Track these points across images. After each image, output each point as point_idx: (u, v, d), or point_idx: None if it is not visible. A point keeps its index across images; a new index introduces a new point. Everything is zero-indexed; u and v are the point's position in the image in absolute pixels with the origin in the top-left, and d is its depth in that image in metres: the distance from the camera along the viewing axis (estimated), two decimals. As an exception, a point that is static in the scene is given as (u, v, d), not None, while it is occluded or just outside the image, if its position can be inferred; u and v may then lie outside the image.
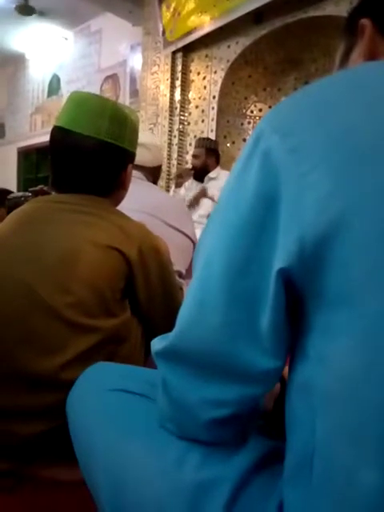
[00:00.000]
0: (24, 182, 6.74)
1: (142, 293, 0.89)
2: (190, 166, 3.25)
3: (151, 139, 1.51)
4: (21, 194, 3.26)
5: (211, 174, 2.90)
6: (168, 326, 0.47)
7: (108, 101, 0.90)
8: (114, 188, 0.93)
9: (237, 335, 0.39)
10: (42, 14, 4.99)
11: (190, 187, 3.01)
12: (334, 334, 0.35)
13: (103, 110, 0.85)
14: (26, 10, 4.76)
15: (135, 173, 1.24)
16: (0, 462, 0.79)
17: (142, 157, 1.36)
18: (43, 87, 6.28)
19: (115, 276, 0.84)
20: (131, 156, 0.94)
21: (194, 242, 1.41)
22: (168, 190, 3.74)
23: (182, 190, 3.06)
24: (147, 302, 0.91)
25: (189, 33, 3.37)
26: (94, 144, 0.84)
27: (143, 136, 1.47)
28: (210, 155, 2.91)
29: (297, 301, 0.39)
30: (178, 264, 1.21)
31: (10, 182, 6.75)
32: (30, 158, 6.74)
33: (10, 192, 3.15)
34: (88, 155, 0.85)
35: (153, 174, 1.47)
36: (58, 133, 0.87)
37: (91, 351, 0.79)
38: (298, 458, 0.39)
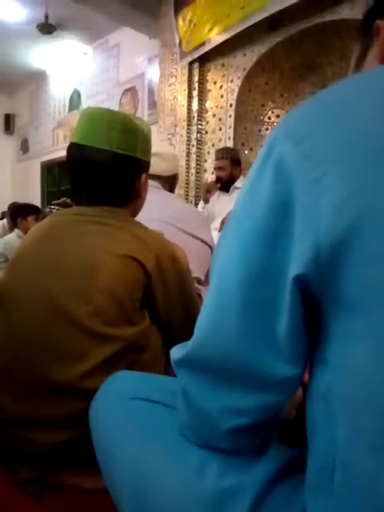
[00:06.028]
0: (47, 195, 6.90)
1: (161, 301, 0.90)
2: (213, 177, 3.20)
3: (167, 149, 1.53)
4: (49, 208, 3.45)
5: (237, 184, 2.88)
6: (187, 333, 0.47)
7: (118, 113, 0.92)
8: (130, 198, 0.94)
9: (255, 343, 0.39)
10: (62, 31, 5.13)
11: (214, 201, 3.01)
12: (352, 340, 0.35)
13: (113, 123, 0.88)
14: (46, 28, 4.90)
15: (152, 182, 1.26)
16: (26, 470, 0.81)
17: (158, 166, 1.38)
18: (64, 102, 6.44)
19: (134, 285, 0.84)
20: (145, 165, 0.95)
21: (211, 248, 1.41)
22: (187, 199, 3.76)
23: (209, 205, 3.05)
24: (166, 311, 0.91)
25: (204, 43, 3.40)
26: (108, 156, 0.87)
27: (159, 146, 1.49)
28: (236, 166, 2.89)
29: (314, 307, 0.39)
30: (197, 270, 1.22)
31: (34, 195, 6.93)
32: (52, 171, 6.90)
33: (36, 207, 3.28)
34: (102, 168, 0.87)
35: (169, 182, 1.49)
36: (74, 149, 0.90)
37: (112, 360, 0.80)
38: (319, 467, 0.38)
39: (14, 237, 3.04)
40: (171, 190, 1.53)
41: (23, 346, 0.79)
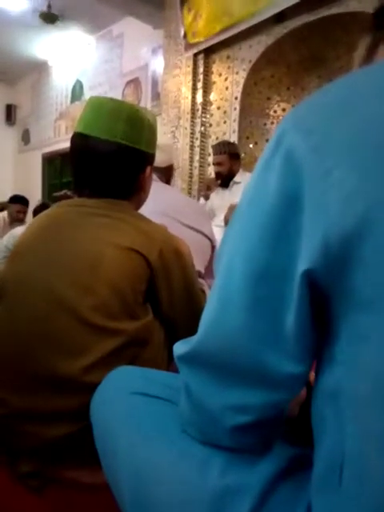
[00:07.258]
0: (48, 187, 6.88)
1: (164, 296, 0.89)
2: (212, 173, 3.14)
3: (163, 139, 1.51)
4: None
5: (236, 179, 2.81)
6: (190, 329, 0.47)
7: (124, 103, 0.90)
8: (134, 190, 0.93)
9: (260, 339, 0.39)
10: (64, 20, 5.08)
11: (213, 196, 2.97)
12: (362, 337, 0.34)
13: (119, 113, 0.86)
14: (49, 17, 4.85)
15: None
16: (26, 463, 0.81)
17: (156, 158, 1.36)
18: (67, 93, 6.40)
19: (137, 278, 0.84)
20: (150, 158, 0.94)
21: (211, 241, 1.40)
22: (190, 193, 3.74)
23: (209, 202, 3.00)
24: (169, 305, 0.91)
25: (214, 36, 3.34)
26: (111, 147, 0.85)
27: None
28: (234, 160, 2.80)
29: (322, 303, 0.38)
30: (197, 264, 1.21)
31: (35, 188, 6.90)
32: (54, 163, 6.87)
33: (48, 206, 3.24)
34: (105, 158, 0.86)
35: (166, 173, 1.47)
36: (77, 139, 0.89)
37: (114, 354, 0.79)
38: (326, 465, 0.38)
39: (22, 230, 3.01)
40: (167, 181, 1.51)
41: (25, 339, 0.78)
